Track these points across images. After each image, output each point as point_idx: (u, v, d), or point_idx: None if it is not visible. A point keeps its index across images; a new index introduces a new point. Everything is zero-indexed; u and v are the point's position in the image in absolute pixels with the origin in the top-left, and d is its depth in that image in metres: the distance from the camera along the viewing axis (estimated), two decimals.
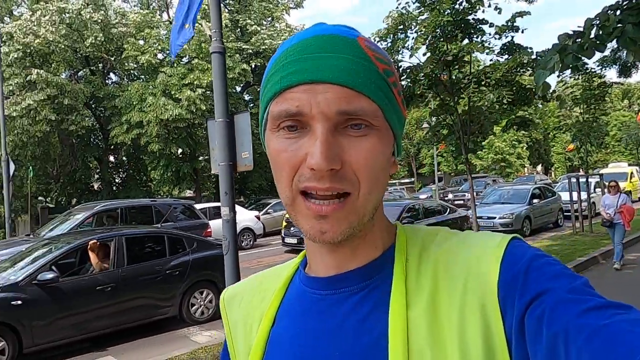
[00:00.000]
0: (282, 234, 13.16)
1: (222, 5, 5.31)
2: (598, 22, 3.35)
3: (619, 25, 3.22)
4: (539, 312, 0.48)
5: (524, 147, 38.79)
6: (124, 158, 25.21)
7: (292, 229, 12.54)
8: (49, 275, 5.70)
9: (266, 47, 21.74)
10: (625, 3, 3.31)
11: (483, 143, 13.09)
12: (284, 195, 0.58)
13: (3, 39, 16.53)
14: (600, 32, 3.31)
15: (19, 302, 5.48)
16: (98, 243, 6.33)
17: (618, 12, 3.31)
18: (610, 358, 0.41)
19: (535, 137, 41.22)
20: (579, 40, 3.38)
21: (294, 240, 12.48)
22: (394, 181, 38.56)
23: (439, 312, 0.55)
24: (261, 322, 0.69)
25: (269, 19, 24.36)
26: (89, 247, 6.26)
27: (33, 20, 18.42)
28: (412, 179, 43.22)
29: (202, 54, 19.70)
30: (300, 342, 0.63)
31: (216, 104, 4.54)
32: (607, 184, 8.84)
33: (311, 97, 0.54)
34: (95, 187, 25.48)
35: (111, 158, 25.40)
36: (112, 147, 23.20)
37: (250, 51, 22.01)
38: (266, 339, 0.67)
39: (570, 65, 3.41)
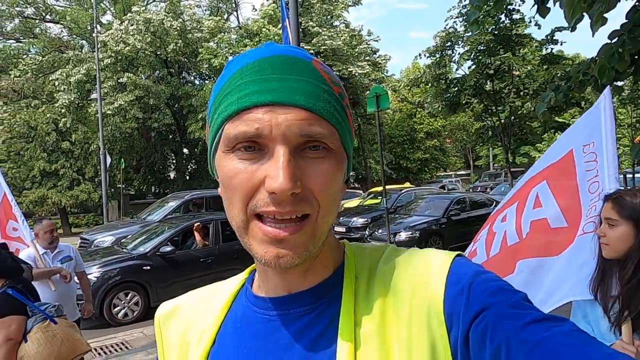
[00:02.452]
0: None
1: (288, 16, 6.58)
2: (581, 69, 4.54)
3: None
4: (482, 327, 0.50)
5: None
6: (196, 150, 27.64)
7: (341, 218, 12.69)
8: (168, 249, 7.49)
9: (326, 47, 23.16)
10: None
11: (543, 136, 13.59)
12: (237, 219, 0.56)
13: (98, 47, 18.97)
14: (584, 78, 4.51)
15: (148, 267, 7.31)
16: (201, 225, 8.08)
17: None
18: None
19: None
20: (569, 83, 4.59)
21: (342, 229, 12.48)
22: (449, 172, 39.00)
23: (388, 329, 0.56)
24: (200, 341, 0.66)
25: (329, 16, 25.74)
26: (194, 227, 8.03)
27: (121, 29, 20.83)
28: (468, 171, 43.36)
29: None
30: None
31: None
32: None
33: (272, 119, 0.52)
34: (171, 176, 28.20)
35: (184, 150, 27.91)
36: (187, 141, 25.61)
37: (312, 51, 23.52)
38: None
39: (562, 101, 4.63)
